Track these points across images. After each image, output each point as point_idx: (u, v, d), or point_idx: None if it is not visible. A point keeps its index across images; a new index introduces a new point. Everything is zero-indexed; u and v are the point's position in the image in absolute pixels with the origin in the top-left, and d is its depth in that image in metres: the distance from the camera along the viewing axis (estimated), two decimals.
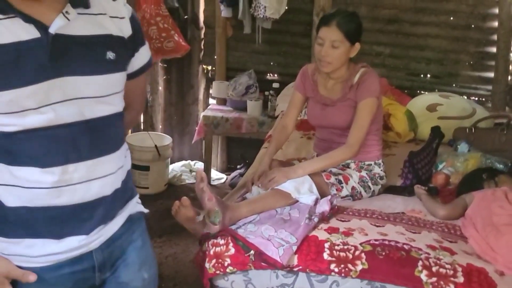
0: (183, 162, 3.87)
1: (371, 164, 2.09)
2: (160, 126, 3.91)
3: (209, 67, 3.87)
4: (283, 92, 3.42)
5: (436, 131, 2.41)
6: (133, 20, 1.08)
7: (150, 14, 3.21)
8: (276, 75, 3.78)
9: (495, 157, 2.22)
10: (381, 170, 2.10)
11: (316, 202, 1.82)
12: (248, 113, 3.51)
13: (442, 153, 2.36)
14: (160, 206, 3.14)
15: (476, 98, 3.55)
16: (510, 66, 3.44)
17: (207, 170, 3.65)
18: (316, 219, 1.71)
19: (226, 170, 3.96)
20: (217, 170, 3.91)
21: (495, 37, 3.46)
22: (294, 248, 1.59)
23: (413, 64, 3.60)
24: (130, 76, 1.10)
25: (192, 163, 3.87)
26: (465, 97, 3.39)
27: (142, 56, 1.13)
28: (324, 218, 1.75)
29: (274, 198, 1.79)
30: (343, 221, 1.77)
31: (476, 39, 3.53)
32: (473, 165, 2.18)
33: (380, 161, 2.11)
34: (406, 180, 2.16)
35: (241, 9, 3.37)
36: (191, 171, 3.76)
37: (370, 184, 2.05)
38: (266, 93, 3.55)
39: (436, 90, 3.47)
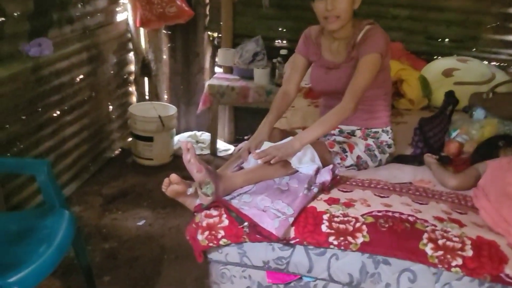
0: (189, 132, 3.79)
1: (378, 132, 1.96)
2: (166, 96, 3.81)
3: (215, 34, 3.73)
4: (291, 59, 3.27)
5: (449, 97, 2.26)
6: None
7: None
8: (285, 41, 3.62)
9: None
10: (389, 138, 1.97)
11: (318, 172, 1.71)
12: (255, 82, 3.38)
13: (456, 120, 2.22)
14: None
15: (498, 64, 3.33)
16: None
17: (213, 141, 3.57)
18: (315, 190, 1.61)
19: (234, 141, 3.85)
20: (224, 141, 3.82)
21: None
22: (291, 220, 1.50)
23: (432, 27, 3.38)
24: None
25: (198, 133, 3.79)
26: (486, 62, 3.18)
27: None
28: (324, 189, 1.65)
29: (272, 167, 1.69)
30: (344, 191, 1.67)
31: None
32: (489, 133, 2.04)
33: (388, 128, 1.98)
34: (416, 149, 2.04)
35: None
36: (197, 142, 3.68)
37: (376, 152, 1.92)
38: (274, 60, 3.40)
39: (455, 55, 3.26)
